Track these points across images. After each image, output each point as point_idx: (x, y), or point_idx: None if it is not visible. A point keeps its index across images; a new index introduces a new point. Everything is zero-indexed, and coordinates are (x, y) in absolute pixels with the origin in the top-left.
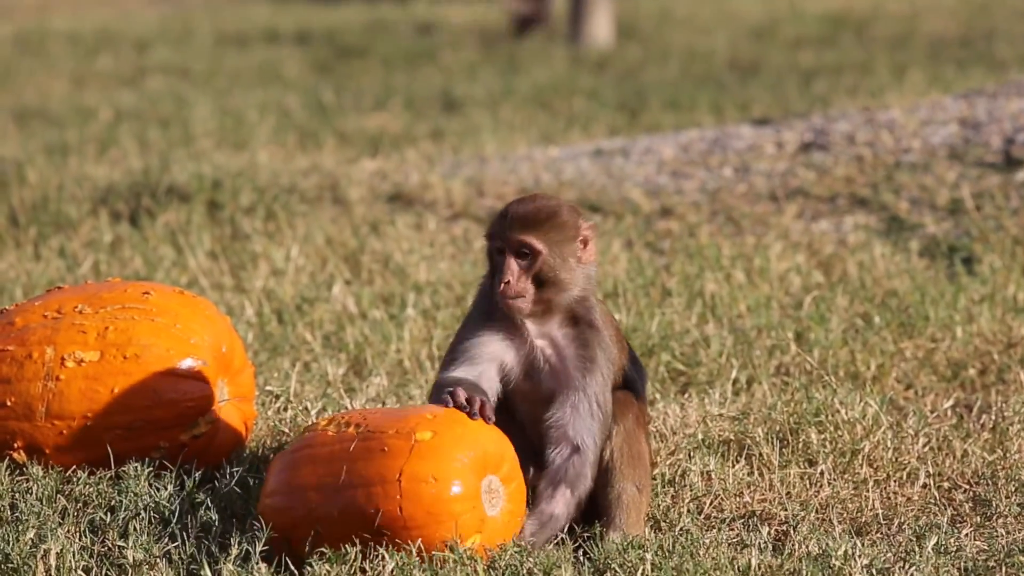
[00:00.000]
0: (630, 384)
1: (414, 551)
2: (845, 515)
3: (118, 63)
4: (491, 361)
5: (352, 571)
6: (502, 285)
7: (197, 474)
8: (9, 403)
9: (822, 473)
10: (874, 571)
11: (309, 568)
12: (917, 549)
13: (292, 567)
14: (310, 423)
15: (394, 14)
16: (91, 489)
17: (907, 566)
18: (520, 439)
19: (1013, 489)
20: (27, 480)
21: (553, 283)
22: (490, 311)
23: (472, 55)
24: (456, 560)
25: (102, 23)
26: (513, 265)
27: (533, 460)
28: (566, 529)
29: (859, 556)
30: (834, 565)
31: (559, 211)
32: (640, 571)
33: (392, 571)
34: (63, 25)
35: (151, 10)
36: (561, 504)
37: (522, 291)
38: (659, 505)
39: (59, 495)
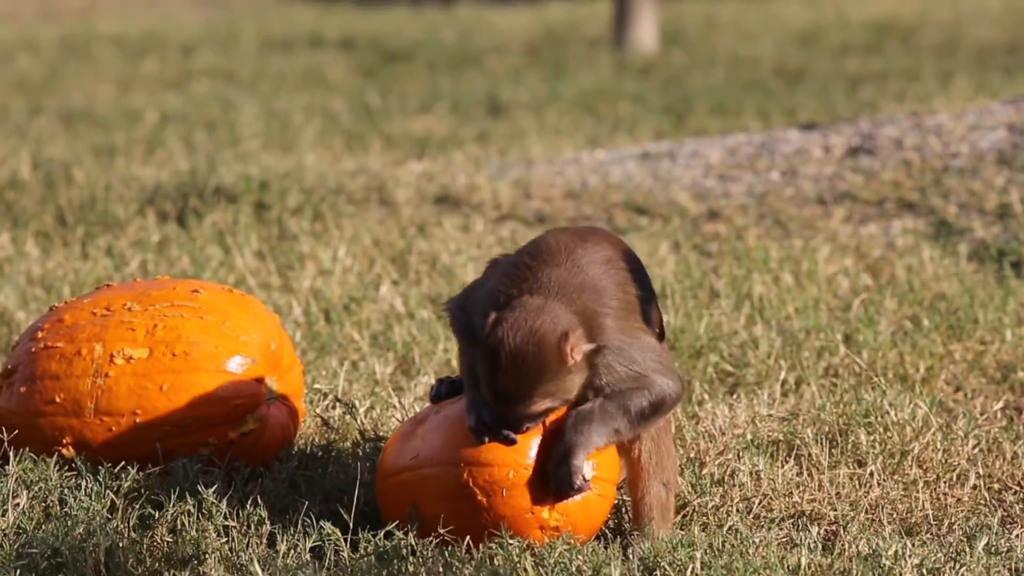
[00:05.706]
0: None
1: (462, 545)
2: (895, 516)
3: (164, 66)
4: None
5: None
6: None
7: (246, 471)
8: (58, 399)
9: (872, 474)
10: (924, 571)
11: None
12: (968, 550)
13: (340, 565)
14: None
15: (439, 19)
16: (140, 485)
17: (958, 566)
18: None
19: None
20: (76, 476)
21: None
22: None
23: (517, 60)
24: (505, 557)
25: (147, 27)
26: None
27: None
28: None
29: (909, 556)
30: (884, 565)
31: (544, 357)
32: (690, 570)
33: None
34: (109, 29)
35: (196, 14)
36: None
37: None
38: (708, 504)
39: (107, 491)
